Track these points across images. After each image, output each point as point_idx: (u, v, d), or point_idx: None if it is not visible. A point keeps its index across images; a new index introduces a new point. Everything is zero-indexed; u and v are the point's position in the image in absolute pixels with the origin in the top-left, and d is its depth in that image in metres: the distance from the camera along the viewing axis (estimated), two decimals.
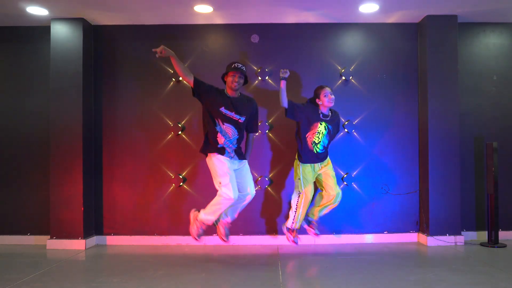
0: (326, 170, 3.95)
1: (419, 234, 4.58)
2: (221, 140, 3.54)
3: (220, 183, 3.48)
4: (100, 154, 4.63)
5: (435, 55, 4.41)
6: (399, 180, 4.62)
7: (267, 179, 4.56)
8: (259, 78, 4.60)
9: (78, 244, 4.35)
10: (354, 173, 4.60)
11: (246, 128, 3.76)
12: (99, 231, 4.61)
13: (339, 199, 3.92)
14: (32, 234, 4.62)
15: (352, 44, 4.65)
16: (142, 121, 4.61)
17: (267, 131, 4.58)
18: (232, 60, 4.58)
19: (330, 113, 3.94)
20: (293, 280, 3.30)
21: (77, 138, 4.38)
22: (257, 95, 4.60)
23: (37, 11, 4.23)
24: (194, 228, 3.71)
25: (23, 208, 4.63)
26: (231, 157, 3.57)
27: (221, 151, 3.54)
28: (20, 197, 4.63)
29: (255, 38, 4.62)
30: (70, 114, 4.39)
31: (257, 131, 3.91)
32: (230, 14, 4.40)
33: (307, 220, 4.07)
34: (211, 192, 4.52)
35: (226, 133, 3.54)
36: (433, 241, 4.35)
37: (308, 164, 3.89)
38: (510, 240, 4.54)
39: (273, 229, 4.56)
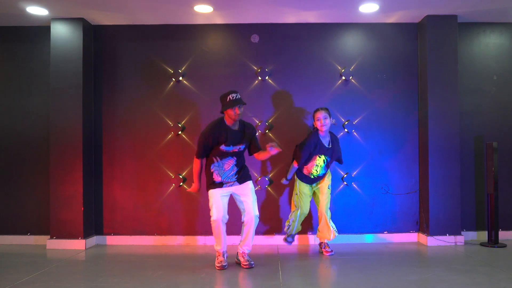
0: (323, 184, 4.02)
1: (419, 234, 4.58)
2: (217, 178, 3.55)
3: (210, 205, 3.56)
4: (100, 154, 4.63)
5: (435, 55, 4.41)
6: (399, 180, 4.62)
7: (267, 179, 4.56)
8: (259, 78, 4.60)
9: (78, 244, 4.35)
10: (354, 173, 4.60)
11: (248, 150, 3.70)
12: (99, 231, 4.62)
13: (325, 218, 3.99)
14: (32, 234, 4.62)
15: (352, 44, 4.66)
16: (142, 121, 4.61)
17: (267, 131, 4.58)
18: (233, 59, 4.62)
19: (330, 143, 3.92)
20: (293, 280, 3.29)
21: (77, 138, 4.38)
22: (257, 95, 4.60)
23: (37, 11, 4.23)
24: (216, 261, 3.65)
25: (23, 208, 4.63)
26: (231, 185, 3.58)
27: (219, 185, 3.56)
28: (20, 197, 4.63)
29: (255, 38, 4.62)
30: (70, 114, 4.39)
31: (259, 148, 3.71)
32: (230, 14, 4.40)
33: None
34: None
35: (222, 168, 3.54)
36: (433, 241, 4.36)
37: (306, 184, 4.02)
38: (510, 240, 4.54)
39: (273, 229, 4.56)
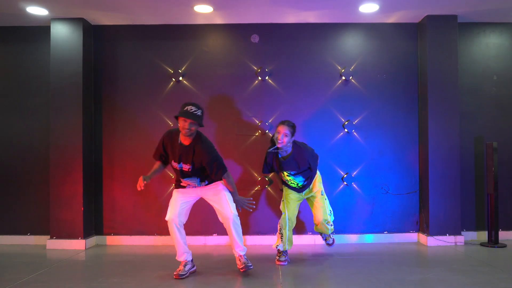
0: (315, 192, 3.82)
1: (419, 234, 4.58)
2: (184, 183, 3.36)
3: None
4: (100, 154, 4.63)
5: (435, 55, 4.41)
6: (399, 180, 4.62)
7: (267, 179, 4.56)
8: (259, 78, 4.60)
9: (78, 244, 4.35)
10: (354, 173, 4.59)
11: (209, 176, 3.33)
12: (99, 231, 4.61)
13: (326, 228, 3.82)
14: (32, 234, 4.62)
15: (352, 44, 4.65)
16: (142, 121, 4.61)
17: (267, 131, 4.58)
18: (233, 59, 4.62)
19: (288, 157, 3.59)
20: (293, 280, 3.29)
21: (77, 138, 4.38)
22: (257, 95, 4.60)
23: (37, 11, 4.23)
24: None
25: (23, 208, 4.62)
26: (194, 187, 3.36)
27: (183, 187, 3.39)
28: (20, 197, 4.63)
29: (255, 38, 4.62)
30: (70, 113, 4.39)
31: (222, 176, 3.27)
32: (230, 14, 4.40)
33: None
34: None
35: (190, 184, 3.34)
36: (433, 241, 4.35)
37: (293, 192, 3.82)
38: (510, 240, 4.54)
39: (273, 229, 4.55)
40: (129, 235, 4.58)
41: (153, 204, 4.59)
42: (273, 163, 3.69)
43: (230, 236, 3.38)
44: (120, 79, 4.64)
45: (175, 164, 3.27)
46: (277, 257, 3.78)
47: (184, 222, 3.39)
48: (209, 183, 3.37)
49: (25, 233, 4.62)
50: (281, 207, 3.85)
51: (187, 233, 4.55)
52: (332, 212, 3.91)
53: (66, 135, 4.38)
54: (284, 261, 3.74)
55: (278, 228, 3.79)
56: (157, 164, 3.39)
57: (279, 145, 3.52)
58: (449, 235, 4.38)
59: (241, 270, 3.35)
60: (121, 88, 4.64)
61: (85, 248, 4.35)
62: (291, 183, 3.76)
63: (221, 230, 4.54)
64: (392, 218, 4.60)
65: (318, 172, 3.87)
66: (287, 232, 3.75)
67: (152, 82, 4.63)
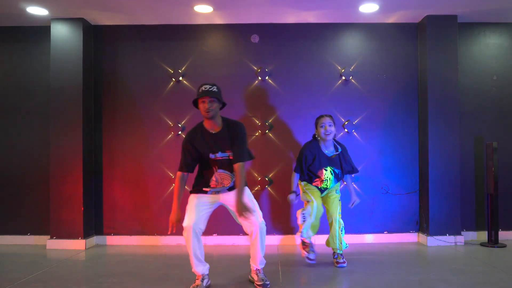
0: (331, 192, 3.71)
1: (419, 234, 4.58)
2: (213, 183, 3.05)
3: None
4: (100, 154, 4.63)
5: (435, 55, 4.41)
6: (399, 180, 4.62)
7: (267, 179, 4.56)
8: (259, 78, 4.60)
9: (78, 244, 4.35)
10: (354, 173, 4.59)
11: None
12: (99, 231, 4.61)
13: (337, 227, 3.63)
14: (32, 234, 4.62)
15: (352, 44, 4.65)
16: (142, 121, 4.61)
17: (267, 131, 4.58)
18: (233, 59, 4.62)
19: (335, 152, 3.62)
20: (293, 280, 3.29)
21: (77, 138, 4.38)
22: (257, 95, 4.60)
23: (37, 11, 4.23)
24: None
25: (23, 208, 4.62)
26: (217, 192, 3.08)
27: (205, 192, 3.06)
28: (20, 197, 4.63)
29: (255, 38, 4.62)
30: (69, 113, 4.39)
31: (243, 160, 2.96)
32: (230, 14, 4.40)
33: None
34: None
35: (222, 182, 3.04)
36: (433, 241, 4.35)
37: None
38: (510, 240, 4.54)
39: (273, 229, 4.56)
40: (129, 235, 4.58)
41: (153, 204, 4.59)
42: (316, 157, 3.55)
43: (253, 246, 3.01)
44: (120, 79, 4.64)
45: (214, 156, 2.96)
46: (305, 251, 3.57)
47: (203, 230, 3.08)
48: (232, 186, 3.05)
49: (25, 233, 4.62)
50: (304, 197, 3.63)
51: None
52: (343, 228, 3.71)
53: (66, 135, 4.38)
54: (313, 259, 3.56)
55: (300, 219, 3.54)
56: (179, 182, 3.05)
57: (328, 137, 3.53)
58: (449, 235, 4.38)
59: (258, 287, 3.03)
60: (121, 88, 4.64)
61: (85, 248, 4.35)
62: (325, 184, 3.63)
63: (221, 230, 4.55)
64: (392, 218, 4.60)
65: None
66: (311, 220, 3.53)
67: (152, 82, 4.63)
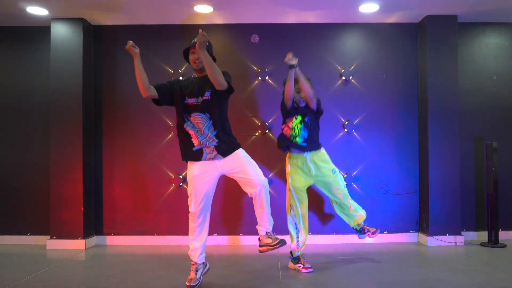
0: (324, 170, 3.49)
1: (419, 234, 4.58)
2: (195, 141, 2.94)
3: (188, 193, 3.02)
4: (100, 154, 4.63)
5: (435, 55, 4.41)
6: (399, 180, 4.62)
7: (267, 179, 4.55)
8: (259, 78, 4.60)
9: (78, 244, 4.35)
10: (354, 173, 4.59)
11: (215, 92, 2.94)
12: (99, 231, 4.61)
13: (354, 210, 3.62)
14: (32, 234, 4.62)
15: (352, 44, 4.65)
16: (142, 121, 4.61)
17: (267, 131, 4.57)
18: (233, 59, 4.61)
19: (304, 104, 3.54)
20: (293, 280, 3.29)
21: (77, 138, 4.38)
22: (257, 95, 4.60)
23: (37, 11, 4.23)
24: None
25: (23, 208, 4.62)
26: (212, 159, 2.94)
27: (198, 154, 2.94)
28: (20, 197, 4.63)
29: (255, 38, 4.62)
30: (70, 113, 4.39)
31: (224, 85, 2.88)
32: (230, 14, 4.40)
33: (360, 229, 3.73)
34: None
35: (196, 128, 2.91)
36: (433, 241, 4.35)
37: (297, 158, 3.49)
38: (510, 240, 4.54)
39: (273, 228, 4.54)
40: (129, 235, 4.58)
41: (153, 204, 4.59)
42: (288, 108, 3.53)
43: (260, 207, 2.92)
44: (120, 79, 4.64)
45: (190, 100, 2.93)
46: (302, 263, 3.49)
47: (209, 211, 3.06)
48: (220, 139, 2.92)
49: (25, 233, 4.62)
50: (290, 198, 3.51)
51: (187, 234, 4.56)
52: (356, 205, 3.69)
53: (66, 135, 4.38)
54: (310, 267, 3.46)
55: (292, 239, 3.49)
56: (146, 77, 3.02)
57: (302, 104, 3.52)
58: (449, 235, 4.38)
59: (274, 247, 2.89)
60: (121, 88, 4.64)
61: (85, 248, 4.35)
62: (296, 134, 3.50)
63: (221, 230, 4.55)
64: (392, 218, 4.60)
65: (322, 149, 3.61)
66: (302, 228, 3.49)
67: (152, 82, 4.60)
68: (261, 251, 2.96)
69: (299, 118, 3.52)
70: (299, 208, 3.51)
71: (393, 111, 4.62)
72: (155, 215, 4.58)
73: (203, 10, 4.23)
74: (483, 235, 4.57)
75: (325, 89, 4.60)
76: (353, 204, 3.67)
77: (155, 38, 4.63)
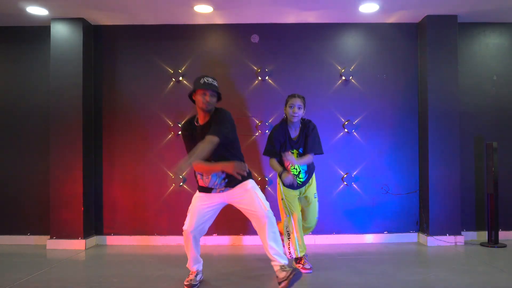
0: (309, 192, 3.50)
1: (419, 234, 4.58)
2: (206, 181, 2.92)
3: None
4: (100, 154, 4.63)
5: (435, 55, 4.41)
6: (399, 180, 4.62)
7: (267, 179, 4.56)
8: (259, 78, 4.60)
9: (78, 244, 4.35)
10: (354, 173, 4.59)
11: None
12: (99, 231, 4.61)
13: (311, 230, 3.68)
14: (32, 234, 4.62)
15: (352, 44, 4.65)
16: (142, 121, 4.61)
17: (267, 131, 4.57)
18: (233, 59, 4.62)
19: (298, 133, 3.39)
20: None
21: (77, 138, 4.38)
22: (257, 95, 4.60)
23: (37, 11, 4.23)
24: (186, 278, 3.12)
25: (23, 208, 4.62)
26: (221, 191, 2.93)
27: (208, 190, 2.94)
28: (20, 197, 4.63)
29: (255, 38, 4.62)
30: (70, 114, 4.39)
31: (214, 134, 2.78)
32: (230, 14, 4.40)
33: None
34: None
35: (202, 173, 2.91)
36: (433, 241, 4.35)
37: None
38: (510, 240, 4.54)
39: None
40: (129, 235, 4.58)
41: (153, 204, 4.59)
42: (283, 139, 3.36)
43: (264, 242, 2.83)
44: (120, 79, 4.64)
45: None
46: (301, 263, 3.46)
47: (205, 233, 3.06)
48: (228, 179, 2.89)
49: (25, 233, 4.62)
50: (282, 208, 3.46)
51: None
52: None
53: (66, 135, 4.38)
54: (310, 268, 3.44)
55: (283, 234, 3.41)
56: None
57: (294, 119, 3.29)
58: (449, 235, 4.38)
59: (289, 278, 2.70)
60: (121, 88, 4.64)
61: (85, 248, 4.35)
62: (293, 169, 3.35)
63: (221, 230, 4.55)
64: (392, 218, 4.60)
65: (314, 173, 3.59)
66: (296, 235, 3.40)
67: (152, 82, 4.63)
68: None
69: (295, 152, 3.41)
70: (292, 217, 3.42)
71: (393, 111, 4.63)
72: (155, 215, 4.58)
73: (203, 10, 4.23)
74: (483, 235, 4.57)
75: (325, 89, 4.60)
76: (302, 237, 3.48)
77: (155, 38, 4.63)
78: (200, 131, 2.89)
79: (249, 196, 2.88)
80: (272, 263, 2.87)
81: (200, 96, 2.86)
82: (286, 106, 3.35)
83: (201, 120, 2.94)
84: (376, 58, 4.64)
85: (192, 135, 2.95)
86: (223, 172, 2.86)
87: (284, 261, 2.83)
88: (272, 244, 2.83)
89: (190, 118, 3.04)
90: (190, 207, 3.02)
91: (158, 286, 3.13)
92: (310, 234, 4.54)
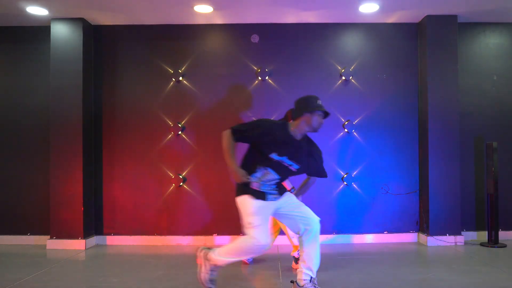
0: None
1: (419, 234, 4.58)
2: (256, 186, 2.82)
3: (249, 223, 2.76)
4: (100, 154, 4.63)
5: (435, 55, 4.41)
6: (399, 180, 4.62)
7: None
8: (259, 78, 4.60)
9: (78, 244, 4.35)
10: (354, 173, 4.59)
11: (308, 172, 2.99)
12: (99, 231, 4.61)
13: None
14: (32, 234, 4.62)
15: (352, 44, 4.65)
16: (142, 121, 4.61)
17: None
18: (233, 59, 4.61)
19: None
20: (293, 280, 3.29)
21: (77, 138, 4.38)
22: (257, 95, 4.60)
23: (37, 11, 4.23)
24: (202, 272, 2.90)
25: (23, 208, 4.62)
26: (274, 199, 2.85)
27: (262, 196, 2.80)
28: (20, 197, 4.63)
29: (255, 38, 4.62)
30: (70, 114, 4.39)
31: (323, 176, 3.01)
32: (230, 14, 4.40)
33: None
34: (211, 191, 4.53)
35: (263, 180, 2.82)
36: (433, 241, 4.35)
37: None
38: (510, 240, 4.54)
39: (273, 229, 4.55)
40: (129, 235, 4.58)
41: (153, 204, 4.59)
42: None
43: (312, 249, 2.83)
44: (120, 79, 4.64)
45: (277, 158, 2.78)
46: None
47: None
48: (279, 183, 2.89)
49: (25, 233, 4.62)
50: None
51: (187, 233, 4.57)
52: None
53: (66, 135, 4.38)
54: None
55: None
56: (230, 143, 2.79)
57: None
58: (449, 235, 4.38)
59: None
60: (121, 88, 4.64)
61: (85, 248, 4.35)
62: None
63: (221, 230, 4.55)
64: (392, 218, 4.60)
65: None
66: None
67: (152, 82, 4.63)
68: None
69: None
70: None
71: (393, 111, 4.62)
72: (155, 215, 4.58)
73: (203, 10, 4.23)
74: (483, 235, 4.57)
75: (325, 89, 4.60)
76: None
77: (155, 38, 4.63)
78: (296, 144, 2.84)
79: (299, 203, 2.91)
80: (304, 270, 2.84)
81: (317, 117, 2.81)
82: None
83: (296, 133, 2.84)
84: (376, 58, 4.64)
85: (276, 139, 2.78)
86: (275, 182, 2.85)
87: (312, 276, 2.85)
88: (318, 253, 2.86)
89: (283, 124, 2.87)
90: (253, 221, 2.75)
91: (158, 286, 3.13)
92: None
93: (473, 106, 4.66)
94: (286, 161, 2.81)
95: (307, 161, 2.90)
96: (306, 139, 2.94)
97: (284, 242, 4.36)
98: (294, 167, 2.84)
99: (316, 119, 2.82)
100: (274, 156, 2.78)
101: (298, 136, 2.85)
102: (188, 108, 4.59)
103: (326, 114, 2.86)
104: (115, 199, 4.61)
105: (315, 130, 2.85)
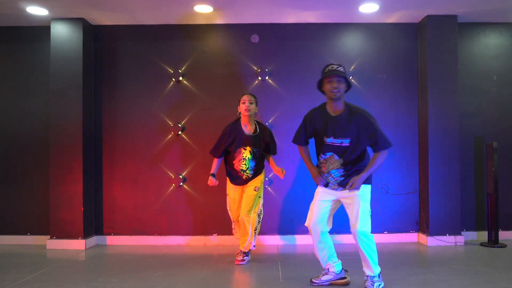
0: (249, 186, 3.68)
1: (419, 234, 4.58)
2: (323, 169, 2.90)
3: None
4: (100, 154, 4.63)
5: (435, 55, 4.41)
6: (399, 180, 4.62)
7: (267, 179, 4.56)
8: (259, 78, 4.60)
9: (78, 244, 4.35)
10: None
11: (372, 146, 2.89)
12: (99, 231, 4.61)
13: (244, 224, 3.69)
14: (32, 234, 4.62)
15: (352, 44, 4.65)
16: (142, 121, 4.61)
17: None
18: (233, 59, 4.62)
19: (255, 132, 3.64)
20: (293, 280, 3.29)
21: (77, 138, 4.38)
22: (257, 95, 4.59)
23: (37, 11, 4.23)
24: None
25: (23, 208, 4.62)
26: (336, 189, 2.93)
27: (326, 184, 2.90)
28: (20, 197, 4.63)
29: (255, 38, 4.62)
30: (70, 114, 4.39)
31: (385, 147, 2.86)
32: (230, 14, 4.40)
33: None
34: (211, 191, 4.52)
35: (328, 166, 2.87)
36: (433, 241, 4.35)
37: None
38: (510, 240, 4.54)
39: (273, 229, 4.56)
40: (129, 235, 4.58)
41: (153, 204, 4.59)
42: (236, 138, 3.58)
43: (359, 251, 2.99)
44: (120, 79, 4.64)
45: (330, 141, 2.81)
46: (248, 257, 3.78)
47: (328, 229, 3.03)
48: (351, 171, 2.85)
49: (25, 233, 4.62)
50: (260, 205, 3.76)
51: (187, 233, 4.57)
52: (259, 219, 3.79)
53: (66, 135, 4.38)
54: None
55: (255, 227, 3.70)
56: (304, 152, 3.02)
57: (247, 113, 3.56)
58: (449, 235, 4.38)
59: None
60: (121, 88, 4.64)
61: (85, 248, 4.35)
62: (244, 165, 3.62)
63: (221, 230, 4.55)
64: (392, 218, 4.60)
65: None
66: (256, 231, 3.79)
67: (152, 82, 4.63)
68: None
69: (249, 148, 3.63)
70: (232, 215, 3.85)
71: (393, 111, 4.63)
72: (155, 215, 4.58)
73: (203, 10, 4.23)
74: (483, 235, 4.57)
75: None
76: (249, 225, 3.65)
77: (155, 38, 4.63)
78: (337, 122, 2.79)
79: (354, 204, 2.94)
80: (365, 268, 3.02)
81: (327, 84, 2.75)
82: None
83: (332, 109, 2.83)
84: (376, 58, 4.64)
85: (320, 124, 2.85)
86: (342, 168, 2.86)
87: (374, 273, 2.99)
88: (368, 259, 3.04)
89: (318, 108, 2.94)
90: (311, 203, 3.00)
91: (158, 286, 3.13)
92: (308, 234, 4.54)
93: (473, 106, 4.66)
94: (335, 141, 2.80)
95: (356, 132, 2.75)
96: (348, 111, 2.78)
97: (284, 242, 4.37)
98: (345, 143, 2.77)
99: (327, 87, 2.74)
100: (326, 140, 2.82)
101: (335, 110, 2.80)
102: (188, 108, 4.59)
103: (336, 75, 2.69)
104: (115, 199, 4.61)
105: (334, 98, 2.74)
